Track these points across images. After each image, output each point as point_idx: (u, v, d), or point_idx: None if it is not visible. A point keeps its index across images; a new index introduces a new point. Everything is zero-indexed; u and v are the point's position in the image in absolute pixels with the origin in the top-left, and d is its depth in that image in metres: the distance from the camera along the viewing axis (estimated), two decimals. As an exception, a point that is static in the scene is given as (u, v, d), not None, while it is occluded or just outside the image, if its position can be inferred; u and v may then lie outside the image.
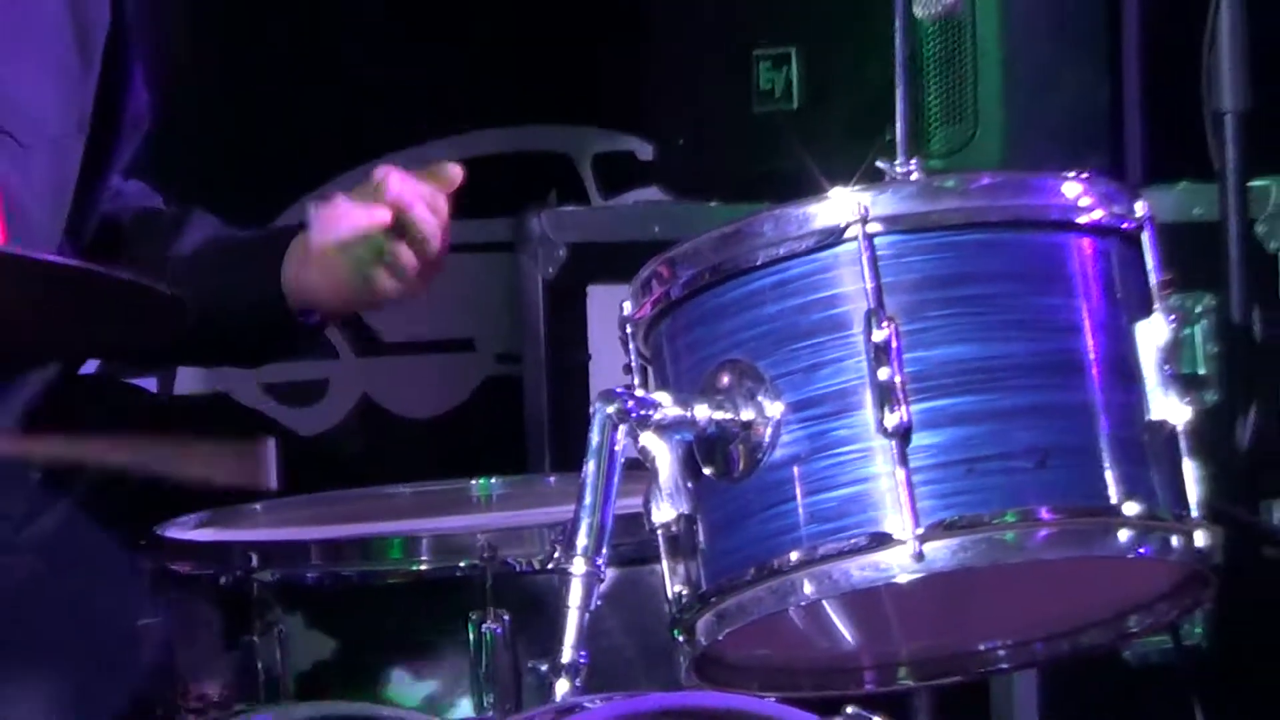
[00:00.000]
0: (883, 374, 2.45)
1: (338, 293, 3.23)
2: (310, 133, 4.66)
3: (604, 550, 2.47)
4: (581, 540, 2.46)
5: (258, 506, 3.29)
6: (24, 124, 3.08)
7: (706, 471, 2.54)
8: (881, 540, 2.44)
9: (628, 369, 2.67)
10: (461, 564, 2.89)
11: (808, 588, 2.49)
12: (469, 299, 4.66)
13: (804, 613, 2.63)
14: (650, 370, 2.66)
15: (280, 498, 3.25)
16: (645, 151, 4.73)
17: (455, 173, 3.15)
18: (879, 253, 2.50)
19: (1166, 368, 2.58)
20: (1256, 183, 3.91)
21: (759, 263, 2.56)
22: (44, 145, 3.13)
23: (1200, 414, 2.59)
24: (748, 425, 2.51)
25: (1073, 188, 2.61)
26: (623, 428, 2.50)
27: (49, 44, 3.23)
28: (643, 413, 2.51)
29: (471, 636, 2.81)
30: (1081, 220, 2.60)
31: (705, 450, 2.53)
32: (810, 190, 2.63)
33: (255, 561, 2.96)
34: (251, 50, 5.16)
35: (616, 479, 2.50)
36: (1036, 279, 2.61)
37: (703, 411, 2.50)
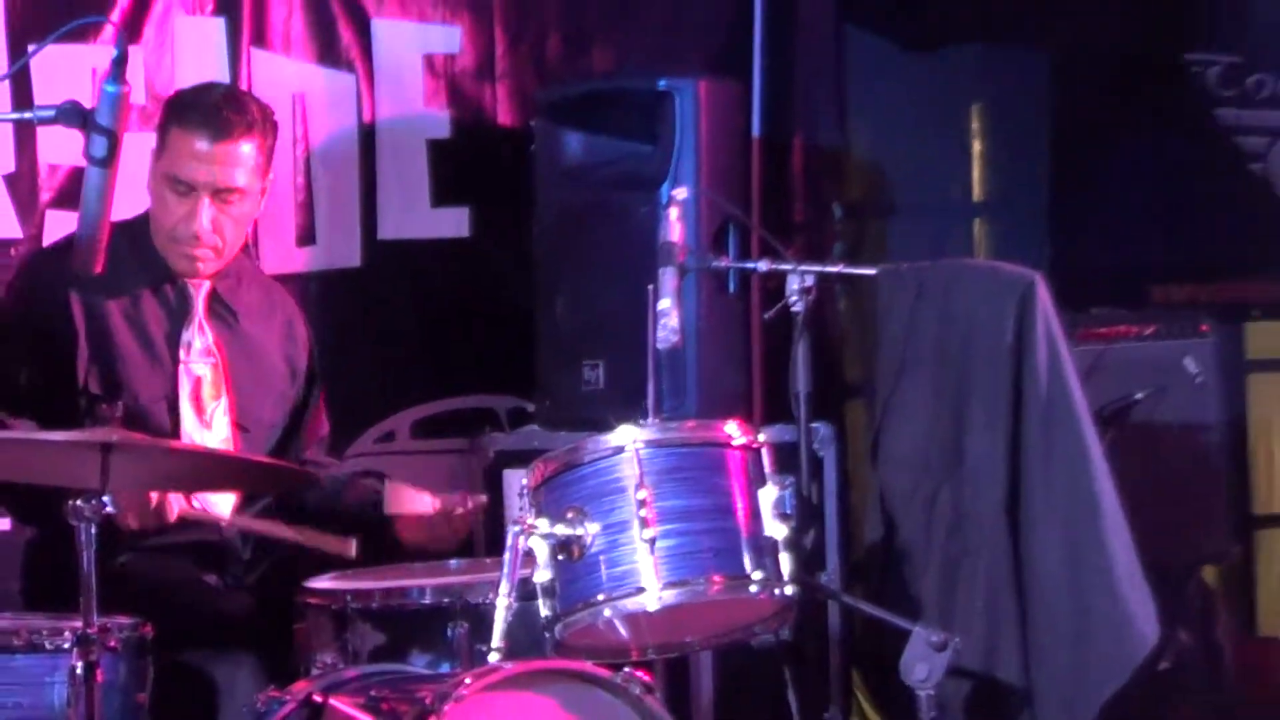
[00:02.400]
0: (642, 513, 4.28)
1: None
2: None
3: (513, 594, 4.21)
4: (503, 588, 4.21)
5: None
6: (253, 423, 5.16)
7: (559, 558, 4.31)
8: (641, 590, 4.29)
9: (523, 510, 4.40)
10: (445, 599, 4.60)
11: (606, 612, 4.31)
12: (447, 478, 6.07)
13: (606, 624, 4.37)
14: (535, 510, 4.39)
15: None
16: (530, 407, 6.33)
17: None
18: (641, 456, 4.36)
19: (773, 510, 4.41)
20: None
21: (585, 460, 4.42)
22: (263, 431, 5.17)
23: (790, 533, 4.40)
24: (580, 536, 4.32)
25: (732, 428, 4.52)
26: (521, 537, 4.27)
27: (275, 378, 5.28)
28: (530, 530, 4.29)
29: (449, 634, 4.55)
30: (736, 443, 4.48)
31: (559, 548, 4.31)
32: (614, 426, 4.42)
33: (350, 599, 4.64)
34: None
35: (519, 561, 4.25)
36: (715, 469, 4.47)
37: (560, 530, 4.30)
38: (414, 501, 5.22)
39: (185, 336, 5.22)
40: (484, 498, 5.19)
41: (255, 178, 5.15)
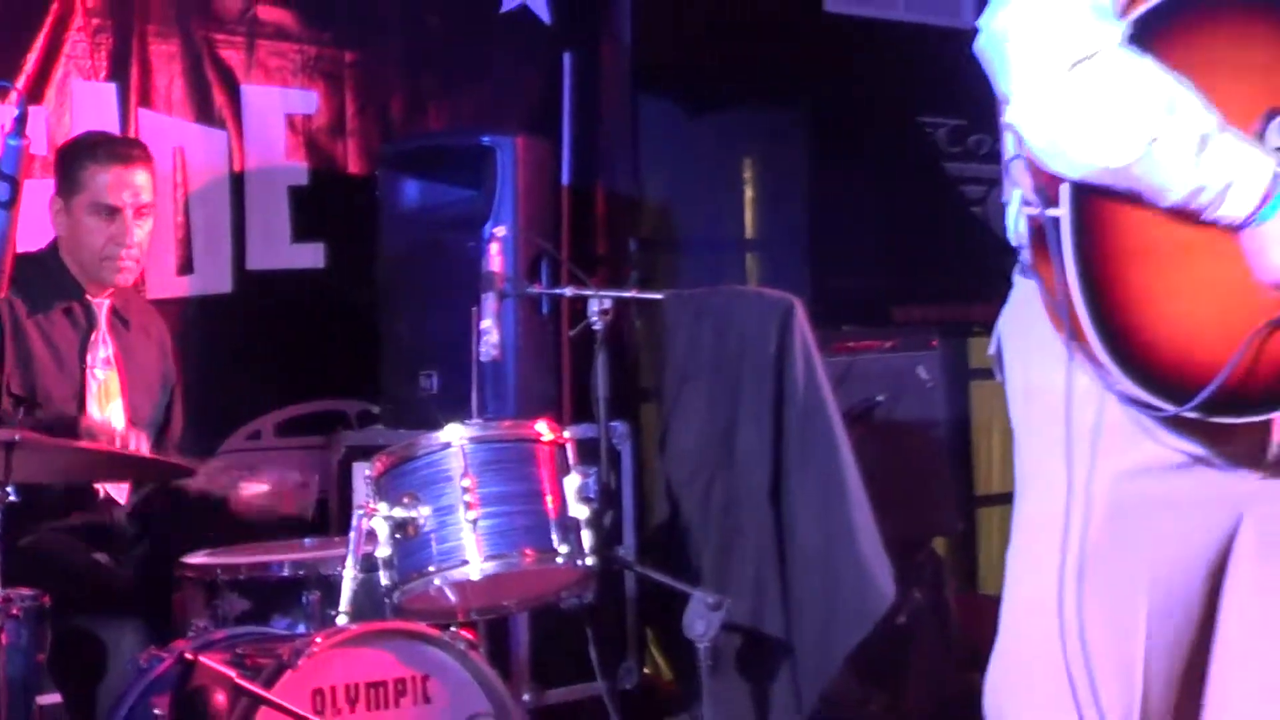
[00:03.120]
0: (467, 497, 4.29)
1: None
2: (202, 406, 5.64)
3: (358, 566, 4.23)
4: (350, 562, 4.22)
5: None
6: (139, 421, 5.11)
7: (397, 536, 4.30)
8: (466, 562, 4.29)
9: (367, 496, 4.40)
10: (301, 571, 4.57)
11: (436, 581, 4.31)
12: (309, 466, 5.78)
13: (437, 591, 4.36)
14: (377, 496, 4.36)
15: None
16: (376, 410, 6.21)
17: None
18: (466, 450, 4.39)
19: (577, 495, 4.43)
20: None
21: (419, 454, 4.42)
22: (145, 427, 5.09)
23: (591, 513, 4.45)
24: (414, 518, 4.32)
25: (542, 426, 4.54)
26: (365, 519, 4.27)
27: (154, 382, 5.28)
28: (373, 512, 4.29)
29: (304, 600, 4.52)
30: (545, 439, 4.51)
31: (397, 527, 4.30)
32: (444, 426, 4.44)
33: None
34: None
35: (363, 538, 4.26)
36: (528, 460, 4.49)
37: (397, 512, 4.29)
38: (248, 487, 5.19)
39: (91, 347, 5.23)
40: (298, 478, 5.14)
41: (153, 200, 5.21)
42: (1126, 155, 2.48)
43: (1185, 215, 2.56)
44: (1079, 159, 2.51)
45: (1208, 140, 2.50)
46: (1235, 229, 2.56)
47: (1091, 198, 2.54)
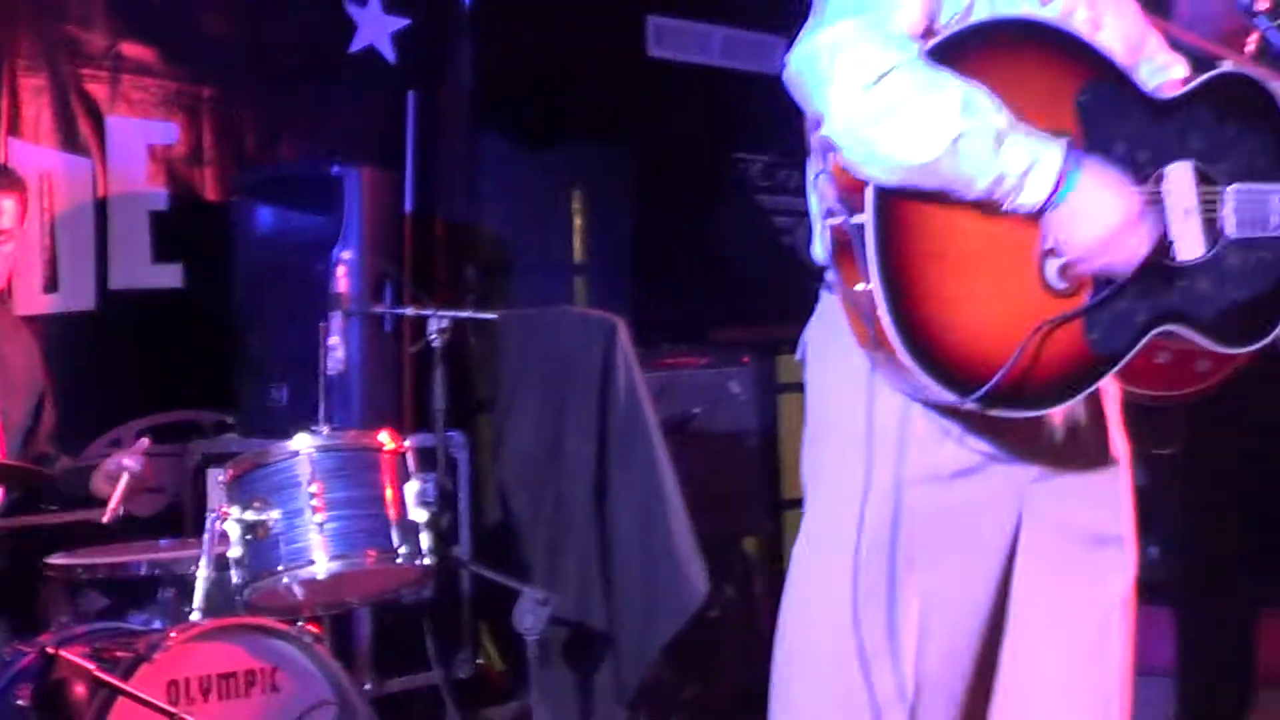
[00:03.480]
0: (314, 502, 4.26)
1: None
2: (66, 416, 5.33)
3: (211, 566, 4.20)
4: (203, 561, 4.20)
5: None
6: (10, 425, 4.90)
7: (248, 537, 4.25)
8: (312, 562, 4.27)
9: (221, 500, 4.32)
10: (157, 570, 4.48)
11: (284, 579, 4.27)
12: (171, 473, 5.78)
13: (285, 589, 4.32)
14: (230, 500, 4.30)
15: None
16: (230, 419, 6.10)
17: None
18: (313, 458, 4.35)
19: (417, 499, 4.40)
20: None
21: (269, 461, 4.37)
22: (16, 431, 4.93)
23: (430, 516, 4.42)
24: (264, 520, 4.28)
25: (384, 436, 4.50)
26: (218, 521, 4.22)
27: (23, 388, 5.05)
28: (226, 515, 4.24)
29: (160, 598, 4.47)
30: (387, 448, 4.47)
31: (248, 529, 4.25)
32: (293, 435, 4.39)
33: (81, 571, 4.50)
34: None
35: (215, 539, 4.21)
36: (370, 468, 4.44)
37: (249, 515, 4.25)
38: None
39: None
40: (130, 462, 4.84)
41: (16, 225, 5.03)
42: (932, 152, 2.49)
43: (984, 213, 2.58)
44: (891, 162, 2.51)
45: (1004, 134, 2.52)
46: (1038, 214, 2.58)
47: (893, 204, 2.55)
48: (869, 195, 2.55)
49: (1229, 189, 2.77)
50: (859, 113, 2.51)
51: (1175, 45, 3.16)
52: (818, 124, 2.60)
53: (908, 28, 2.63)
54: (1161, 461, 3.95)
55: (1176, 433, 4.09)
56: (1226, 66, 2.91)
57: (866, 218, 2.55)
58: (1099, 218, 2.56)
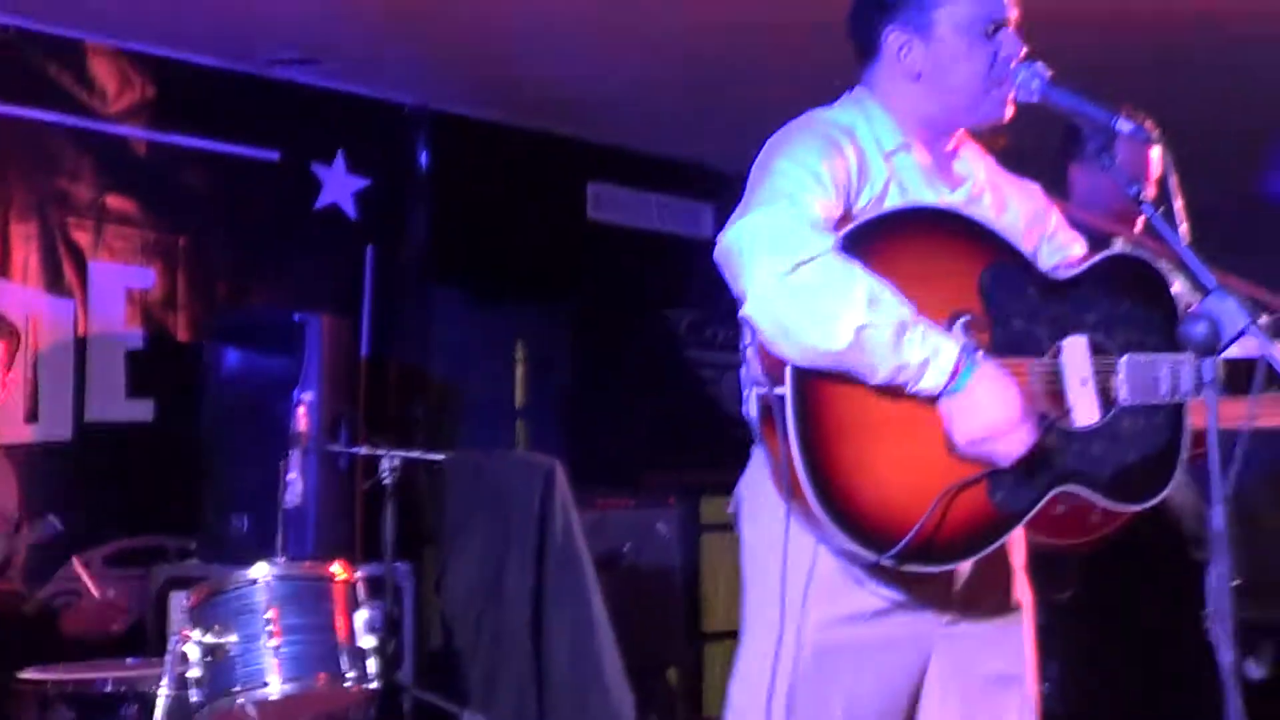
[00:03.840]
0: (269, 627, 4.18)
1: None
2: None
3: (172, 684, 4.11)
4: (165, 680, 4.10)
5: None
6: None
7: (208, 658, 4.14)
8: (267, 684, 4.18)
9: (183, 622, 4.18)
10: (123, 687, 4.44)
11: (240, 699, 4.15)
12: (136, 594, 5.58)
13: (240, 709, 4.18)
14: (192, 622, 4.19)
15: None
16: (194, 546, 5.92)
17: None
18: (271, 585, 4.28)
19: (365, 626, 4.32)
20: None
21: (230, 588, 4.28)
22: None
23: (377, 643, 4.35)
24: (223, 643, 4.19)
25: (337, 567, 4.43)
26: (180, 643, 4.13)
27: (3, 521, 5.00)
28: (187, 637, 4.14)
29: (123, 713, 4.42)
30: (339, 578, 4.39)
31: (208, 650, 4.14)
32: (252, 563, 4.33)
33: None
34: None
35: (177, 660, 4.16)
36: (323, 596, 4.34)
37: (209, 638, 4.15)
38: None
39: None
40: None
41: (3, 369, 5.09)
42: (839, 342, 2.51)
43: (891, 391, 2.59)
44: (801, 345, 2.53)
45: (905, 328, 2.54)
46: (934, 399, 2.59)
47: (811, 379, 2.57)
48: (789, 372, 2.58)
49: (1121, 359, 2.80)
50: (774, 299, 2.54)
51: (1074, 223, 3.20)
52: (740, 301, 2.64)
53: (825, 215, 2.65)
54: (1056, 605, 3.86)
55: (1070, 578, 4.11)
56: (1119, 248, 3.01)
57: (786, 391, 2.58)
58: (987, 411, 2.58)
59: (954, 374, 2.57)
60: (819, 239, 2.58)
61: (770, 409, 2.61)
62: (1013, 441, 2.61)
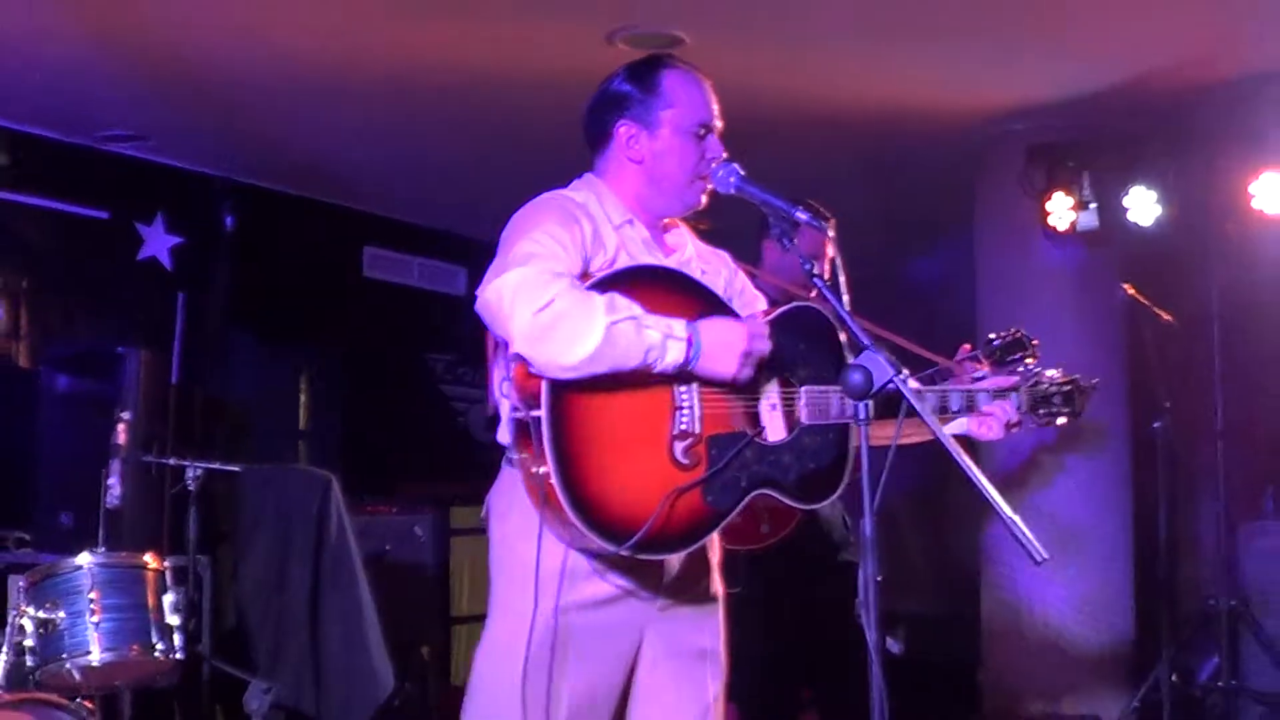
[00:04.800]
0: (92, 605, 4.11)
1: None
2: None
3: (10, 653, 4.06)
4: (4, 650, 4.04)
5: None
6: None
7: (40, 631, 4.07)
8: (89, 652, 4.11)
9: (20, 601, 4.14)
10: None
11: (67, 665, 4.10)
12: None
13: (67, 673, 4.12)
14: (25, 601, 4.13)
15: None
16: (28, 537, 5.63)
17: None
18: (93, 571, 4.19)
19: (171, 607, 4.28)
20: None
21: (59, 572, 4.19)
22: None
23: (181, 620, 4.46)
24: (54, 619, 4.10)
25: (149, 557, 4.32)
26: (18, 618, 4.07)
27: None
28: (24, 613, 4.07)
29: None
30: (150, 566, 4.29)
31: (40, 625, 4.06)
32: (77, 552, 4.23)
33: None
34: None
35: (14, 632, 4.11)
36: (137, 581, 4.25)
37: (41, 614, 4.05)
38: None
39: None
40: None
41: None
42: (592, 344, 2.52)
43: (641, 388, 2.62)
44: (566, 361, 2.53)
45: (641, 320, 2.58)
46: (688, 369, 2.64)
47: (562, 403, 2.57)
48: (544, 394, 2.58)
49: (802, 389, 2.84)
50: (534, 332, 2.53)
51: (759, 287, 3.26)
52: (505, 344, 2.63)
53: (565, 270, 2.66)
54: (731, 597, 3.99)
55: (741, 576, 4.09)
56: (800, 303, 3.01)
57: (543, 413, 2.58)
58: (729, 347, 2.67)
59: (689, 340, 2.62)
60: (560, 280, 2.59)
61: (528, 429, 2.60)
62: (757, 347, 2.70)
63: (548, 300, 2.52)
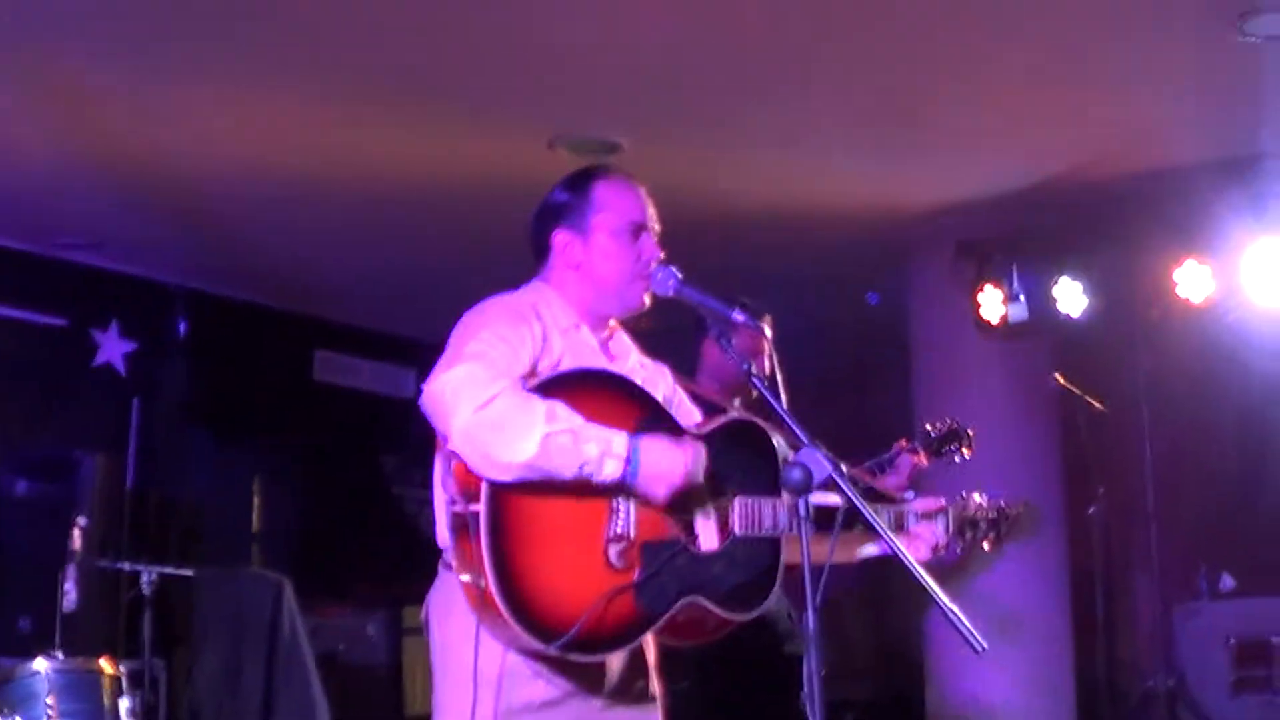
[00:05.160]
0: (49, 711, 4.23)
1: None
2: None
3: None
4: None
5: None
6: None
7: None
8: None
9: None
10: None
11: None
12: None
13: None
14: None
15: None
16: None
17: None
18: (50, 676, 4.29)
19: (126, 711, 4.36)
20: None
21: (15, 677, 4.30)
22: None
23: None
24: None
25: (105, 662, 4.39)
26: None
27: None
28: None
29: None
30: (107, 671, 4.35)
31: None
32: (35, 657, 4.31)
33: None
34: None
35: None
36: (94, 686, 4.33)
37: None
38: None
39: None
40: None
41: None
42: (528, 451, 2.49)
43: (580, 496, 2.58)
44: (501, 463, 2.51)
45: (580, 431, 2.54)
46: (623, 484, 2.59)
47: (501, 499, 2.54)
48: (484, 490, 2.56)
49: (736, 499, 2.80)
50: (473, 429, 2.50)
51: (695, 397, 3.25)
52: (446, 439, 2.58)
53: (509, 369, 2.64)
54: (676, 693, 3.98)
55: (687, 670, 4.02)
56: (736, 414, 3.01)
57: (481, 508, 2.55)
58: (665, 472, 2.64)
59: (627, 459, 2.60)
60: (503, 380, 2.58)
61: (466, 524, 2.59)
62: (690, 476, 2.68)
63: (489, 398, 2.51)
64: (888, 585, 7.82)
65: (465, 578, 2.61)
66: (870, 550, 3.16)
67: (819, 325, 7.40)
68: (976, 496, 3.33)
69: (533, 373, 2.71)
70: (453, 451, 2.57)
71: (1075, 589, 6.57)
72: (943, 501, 3.25)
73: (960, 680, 6.50)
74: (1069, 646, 6.55)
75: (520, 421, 2.51)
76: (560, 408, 2.56)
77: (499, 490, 2.55)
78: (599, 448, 2.56)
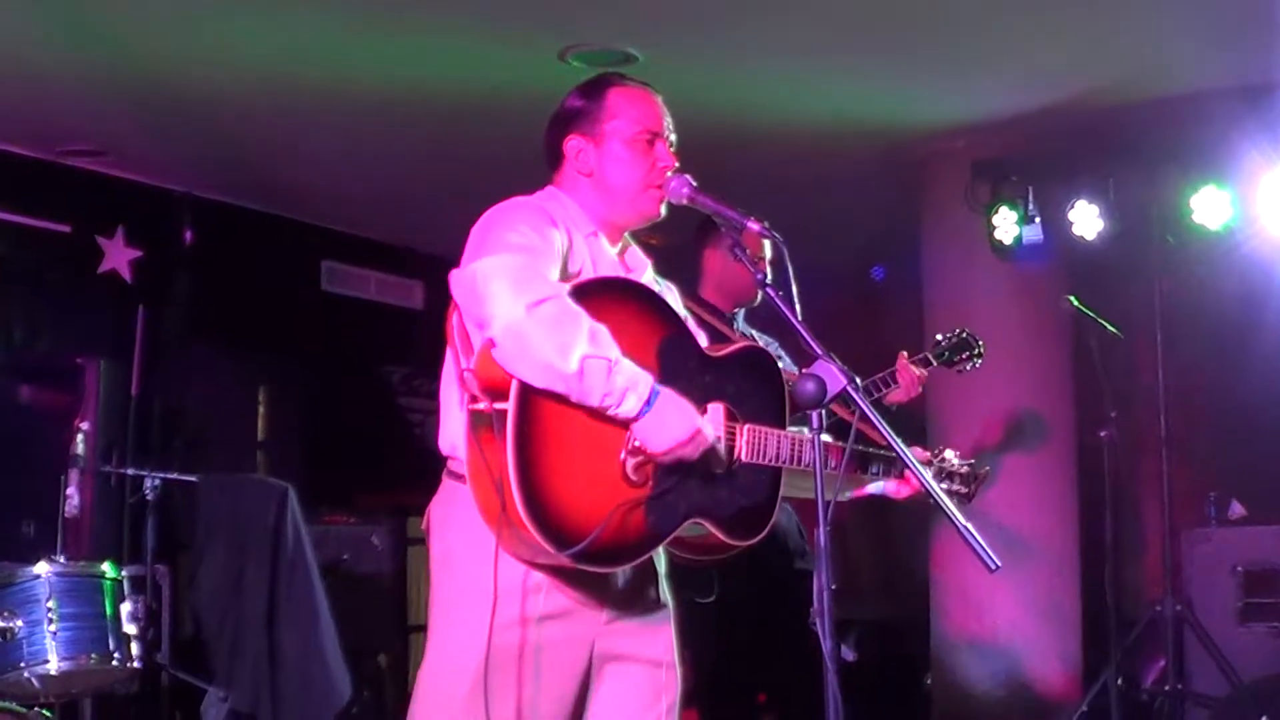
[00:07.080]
0: (50, 614, 4.24)
1: None
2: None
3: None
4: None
5: None
6: None
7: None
8: (47, 661, 4.20)
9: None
10: None
11: (25, 674, 4.20)
12: None
13: (25, 680, 4.21)
14: None
15: None
16: None
17: None
18: (51, 580, 4.28)
19: (129, 616, 4.38)
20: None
21: (17, 581, 4.28)
22: None
23: (138, 629, 4.47)
24: (11, 627, 4.18)
25: (108, 565, 4.37)
26: None
27: None
28: None
29: None
30: (109, 575, 4.35)
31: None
32: (36, 561, 4.33)
33: None
34: None
35: None
36: (95, 590, 4.32)
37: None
38: None
39: None
40: None
41: None
42: (568, 366, 2.48)
43: (593, 417, 2.56)
44: (539, 366, 2.48)
45: (614, 363, 2.53)
46: (631, 422, 2.58)
47: (531, 399, 2.52)
48: (514, 388, 2.51)
49: (744, 426, 2.82)
50: (522, 326, 2.47)
51: (700, 321, 3.26)
52: (480, 324, 2.53)
53: (551, 269, 2.64)
54: (701, 606, 3.92)
55: (711, 586, 4.18)
56: (747, 343, 3.01)
57: (510, 405, 2.51)
58: (672, 427, 2.61)
59: (648, 400, 2.58)
60: (554, 284, 2.57)
61: (489, 422, 2.53)
62: (691, 448, 2.65)
63: (542, 297, 2.49)
64: (890, 509, 7.84)
65: (480, 482, 2.55)
66: (876, 487, 3.27)
67: (829, 240, 7.38)
68: (949, 453, 3.46)
69: (564, 276, 2.68)
70: (485, 342, 2.51)
71: (1084, 513, 6.55)
72: (928, 455, 3.39)
73: (966, 603, 6.49)
74: (1077, 570, 6.55)
75: (567, 334, 2.48)
76: (603, 333, 2.54)
77: (530, 391, 2.51)
78: (625, 383, 2.55)
